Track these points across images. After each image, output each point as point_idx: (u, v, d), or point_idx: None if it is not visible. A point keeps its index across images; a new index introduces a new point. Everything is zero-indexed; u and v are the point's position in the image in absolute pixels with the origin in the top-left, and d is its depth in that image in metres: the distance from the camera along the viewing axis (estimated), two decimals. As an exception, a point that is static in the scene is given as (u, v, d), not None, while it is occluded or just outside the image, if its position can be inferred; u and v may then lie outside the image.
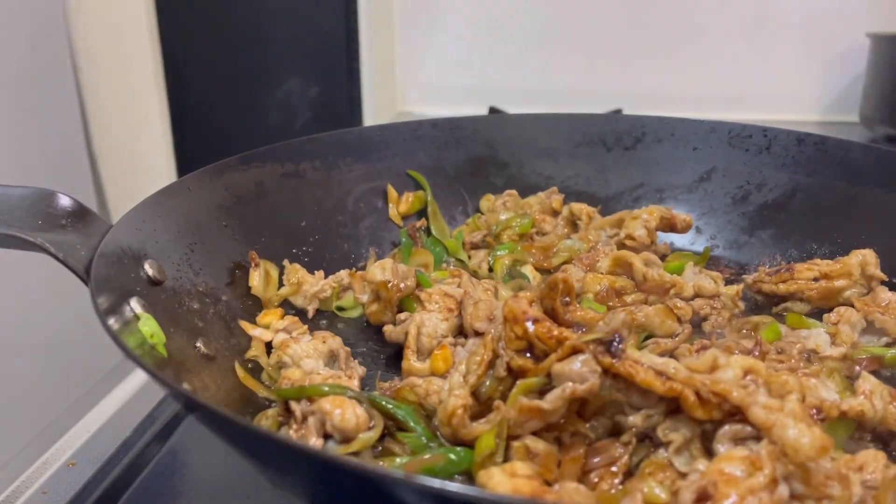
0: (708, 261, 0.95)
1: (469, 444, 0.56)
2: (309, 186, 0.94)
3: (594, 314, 0.63)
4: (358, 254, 0.97)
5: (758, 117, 1.78)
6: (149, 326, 0.59)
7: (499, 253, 0.94)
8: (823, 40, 1.89)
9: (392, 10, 2.05)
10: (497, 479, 0.46)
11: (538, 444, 0.53)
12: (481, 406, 0.58)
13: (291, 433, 0.59)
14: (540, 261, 0.94)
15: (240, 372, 0.70)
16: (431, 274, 0.89)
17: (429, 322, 0.73)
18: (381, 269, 0.79)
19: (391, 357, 0.78)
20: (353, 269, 0.88)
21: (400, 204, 1.02)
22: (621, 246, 0.94)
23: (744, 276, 0.90)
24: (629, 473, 0.53)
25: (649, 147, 1.08)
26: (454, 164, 1.07)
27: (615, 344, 0.52)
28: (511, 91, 2.03)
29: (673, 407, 0.53)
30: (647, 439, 0.55)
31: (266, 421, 0.63)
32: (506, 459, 0.53)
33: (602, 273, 0.85)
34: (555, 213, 1.05)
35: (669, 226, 0.96)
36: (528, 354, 0.57)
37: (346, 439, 0.57)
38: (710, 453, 0.51)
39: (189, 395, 0.46)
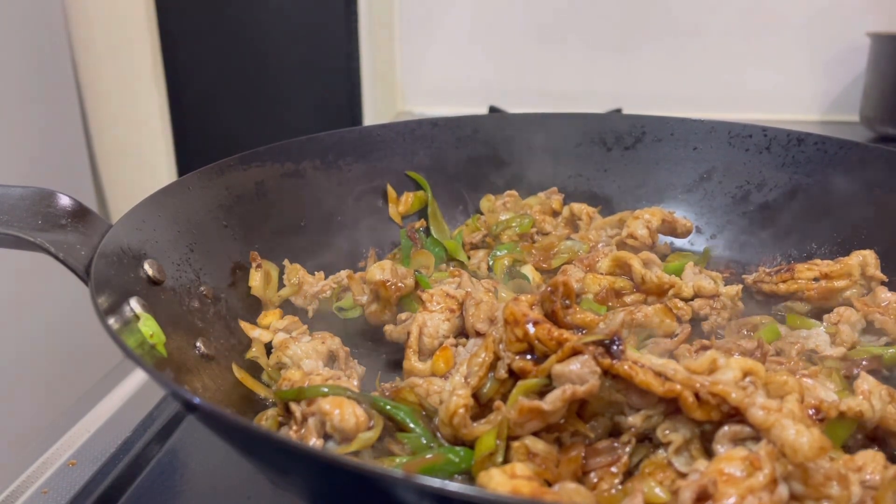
0: (708, 261, 0.95)
1: (469, 445, 0.57)
2: (309, 186, 0.94)
3: (594, 316, 0.63)
4: (358, 254, 0.97)
5: (758, 117, 1.78)
6: (149, 326, 0.59)
7: (498, 253, 0.94)
8: (823, 40, 1.89)
9: (392, 9, 2.05)
10: (497, 480, 0.46)
11: (538, 445, 0.53)
12: (482, 407, 0.59)
13: (291, 434, 0.59)
14: (540, 261, 0.94)
15: (239, 373, 0.70)
16: (431, 275, 0.89)
17: (431, 322, 0.73)
18: (380, 270, 0.79)
19: (391, 357, 0.78)
20: (352, 271, 0.88)
21: (400, 204, 1.02)
22: (622, 246, 0.94)
23: (744, 276, 0.90)
24: (629, 473, 0.53)
25: (649, 147, 1.08)
26: (454, 164, 1.07)
27: (615, 345, 0.52)
28: (511, 91, 2.03)
29: (672, 408, 0.53)
30: (647, 440, 0.55)
31: (266, 421, 0.63)
32: (506, 460, 0.53)
33: (601, 273, 0.85)
34: (555, 214, 1.05)
35: (670, 229, 0.96)
36: (529, 356, 0.57)
37: (346, 439, 0.57)
38: (709, 454, 0.51)
39: (189, 395, 0.46)
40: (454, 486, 0.36)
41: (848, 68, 1.89)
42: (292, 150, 0.93)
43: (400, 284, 0.79)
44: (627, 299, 0.82)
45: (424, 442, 0.58)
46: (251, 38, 2.04)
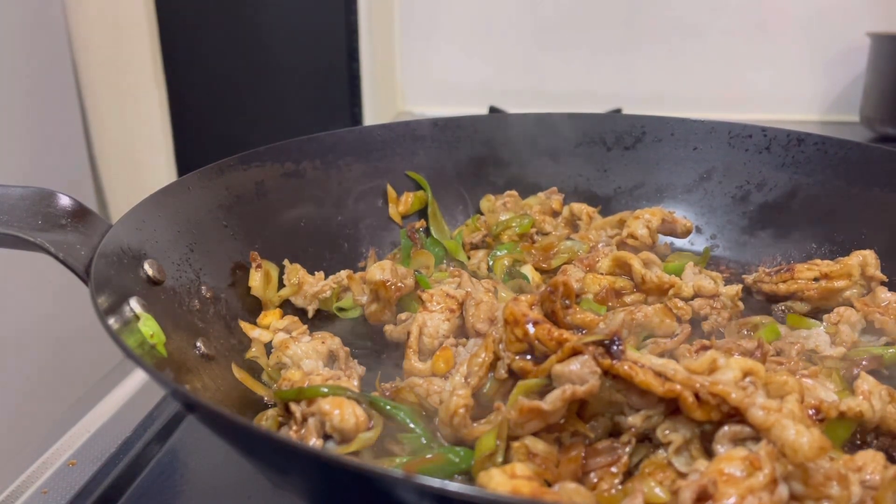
0: (708, 261, 0.95)
1: (469, 445, 0.57)
2: (309, 186, 0.94)
3: (594, 317, 0.63)
4: (358, 254, 0.97)
5: (758, 117, 1.78)
6: (149, 326, 0.59)
7: (498, 253, 0.94)
8: (823, 40, 1.89)
9: (392, 9, 2.05)
10: (497, 480, 0.46)
11: (538, 445, 0.53)
12: (481, 408, 0.59)
13: (291, 434, 0.59)
14: (540, 261, 0.94)
15: (239, 373, 0.70)
16: (431, 275, 0.89)
17: (431, 322, 0.73)
18: (380, 270, 0.79)
19: (391, 357, 0.78)
20: (352, 271, 0.88)
21: (399, 204, 1.02)
22: (622, 245, 0.94)
23: (744, 276, 0.90)
24: (629, 473, 0.53)
25: (649, 147, 1.08)
26: (454, 164, 1.07)
27: (615, 345, 0.52)
28: (511, 91, 2.03)
29: (672, 408, 0.53)
30: (647, 440, 0.55)
31: (266, 421, 0.63)
32: (506, 460, 0.53)
33: (601, 273, 0.85)
34: (555, 214, 1.05)
35: (670, 229, 0.96)
36: (529, 356, 0.57)
37: (346, 439, 0.57)
38: (709, 454, 0.51)
39: (189, 394, 0.46)
40: (454, 486, 0.36)
41: (848, 68, 1.89)
42: (292, 150, 0.93)
43: (400, 284, 0.79)
44: (627, 299, 0.82)
45: (424, 442, 0.58)
46: (251, 38, 2.03)
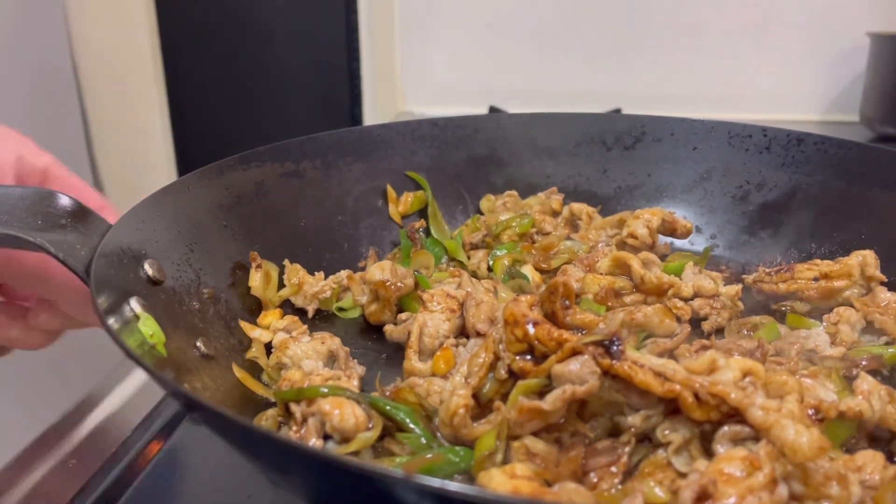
0: (708, 261, 0.95)
1: (469, 445, 0.57)
2: (309, 186, 0.94)
3: (594, 317, 0.63)
4: (358, 254, 0.97)
5: (758, 117, 1.78)
6: (149, 326, 0.59)
7: (498, 253, 0.94)
8: (823, 40, 1.89)
9: (392, 9, 2.05)
10: (497, 480, 0.46)
11: (538, 445, 0.53)
12: (481, 408, 0.59)
13: (291, 434, 0.59)
14: (540, 261, 0.94)
15: (239, 373, 0.70)
16: (431, 275, 0.89)
17: (431, 322, 0.73)
18: (380, 270, 0.80)
19: (391, 357, 0.78)
20: (352, 271, 0.88)
21: (400, 204, 1.02)
22: (622, 245, 0.94)
23: (744, 276, 0.90)
24: (629, 473, 0.53)
25: (649, 147, 1.08)
26: (454, 164, 1.07)
27: (614, 345, 0.53)
28: (511, 91, 2.03)
29: (672, 408, 0.53)
30: (647, 440, 0.55)
31: (266, 421, 0.63)
32: (506, 460, 0.53)
33: (601, 273, 0.85)
34: (555, 214, 1.05)
35: (670, 230, 0.96)
36: (529, 357, 0.57)
37: (346, 439, 0.57)
38: (709, 454, 0.51)
39: (189, 394, 0.46)
40: (454, 486, 0.35)
41: (848, 68, 1.89)
42: (292, 150, 0.93)
43: (400, 284, 0.79)
44: (627, 299, 0.82)
45: (424, 442, 0.58)
46: (251, 37, 2.04)
